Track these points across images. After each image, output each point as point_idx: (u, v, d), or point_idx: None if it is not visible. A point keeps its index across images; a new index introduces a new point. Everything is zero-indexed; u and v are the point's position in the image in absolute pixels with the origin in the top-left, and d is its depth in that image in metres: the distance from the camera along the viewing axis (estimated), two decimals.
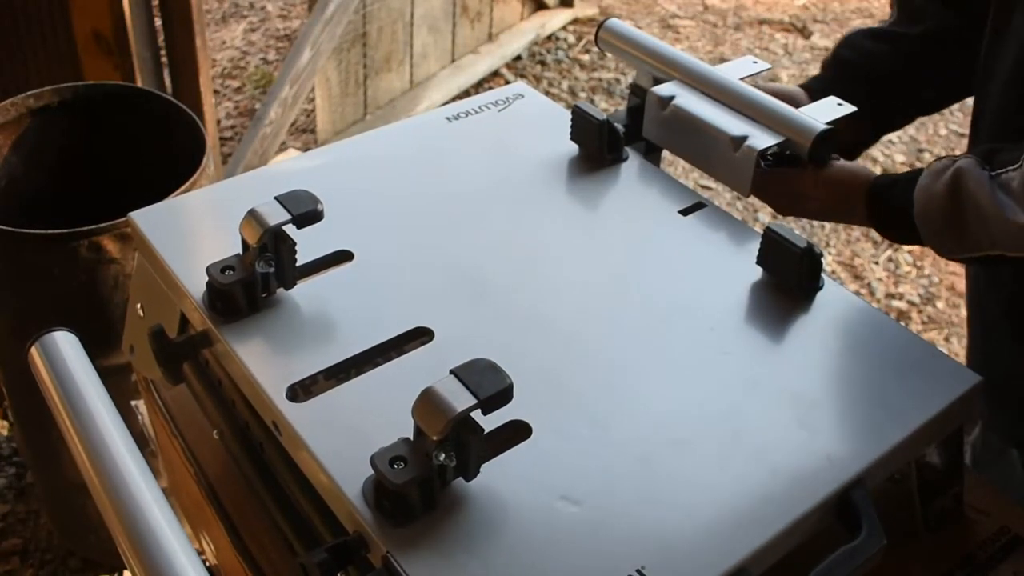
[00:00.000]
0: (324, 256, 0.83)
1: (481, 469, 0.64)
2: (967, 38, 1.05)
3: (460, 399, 0.60)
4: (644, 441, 0.69)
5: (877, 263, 2.59)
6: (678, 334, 0.79)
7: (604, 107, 3.09)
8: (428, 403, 0.60)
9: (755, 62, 1.05)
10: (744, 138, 0.92)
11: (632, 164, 0.98)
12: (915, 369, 0.76)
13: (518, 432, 0.69)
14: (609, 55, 1.03)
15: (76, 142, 1.65)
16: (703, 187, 2.63)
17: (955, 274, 2.57)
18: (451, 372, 0.61)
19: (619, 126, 0.97)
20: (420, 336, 0.77)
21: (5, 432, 2.02)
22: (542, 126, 1.03)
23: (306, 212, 0.76)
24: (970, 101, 1.03)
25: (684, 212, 0.92)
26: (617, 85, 3.21)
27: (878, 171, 1.00)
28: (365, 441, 0.64)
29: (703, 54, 3.41)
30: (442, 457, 0.61)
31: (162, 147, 1.62)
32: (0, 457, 1.97)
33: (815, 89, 1.07)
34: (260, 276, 0.77)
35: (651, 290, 0.83)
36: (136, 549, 0.60)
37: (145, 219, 0.86)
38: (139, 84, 1.90)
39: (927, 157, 2.94)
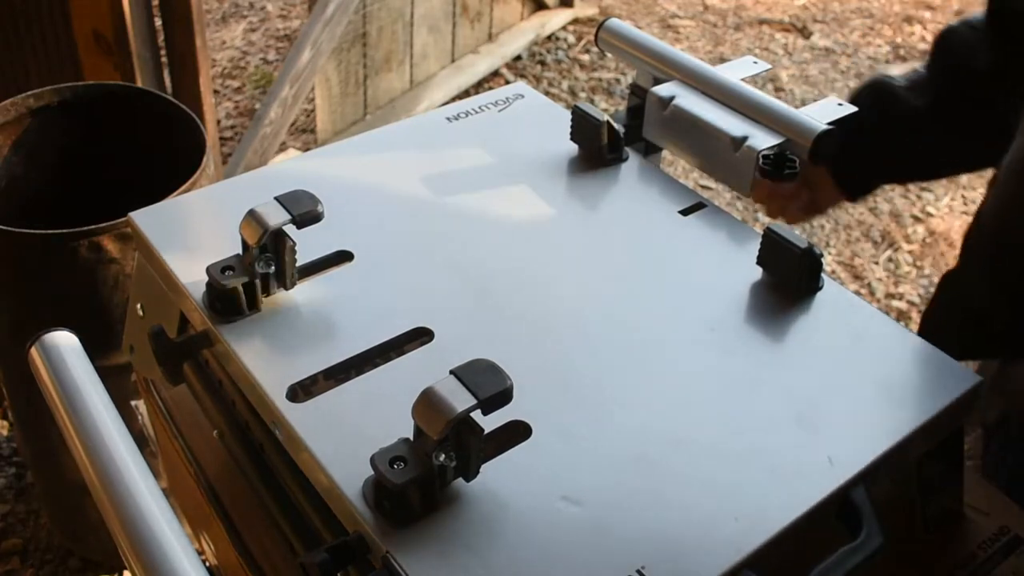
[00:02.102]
0: (324, 256, 0.83)
1: (481, 469, 0.65)
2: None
3: (460, 399, 0.60)
4: (644, 441, 0.69)
5: (877, 263, 2.59)
6: (678, 334, 0.79)
7: (604, 107, 3.09)
8: (428, 403, 0.60)
9: (755, 62, 1.05)
10: (744, 138, 0.92)
11: (632, 164, 0.98)
12: (915, 369, 0.76)
13: (518, 432, 0.69)
14: (609, 55, 1.03)
15: (76, 142, 1.65)
16: (703, 187, 2.63)
17: None
18: (451, 372, 0.61)
19: (619, 126, 0.97)
20: (420, 336, 0.77)
21: (5, 432, 2.02)
22: (542, 126, 1.03)
23: (306, 212, 0.76)
24: None
25: (684, 212, 0.92)
26: (617, 85, 3.21)
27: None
28: (365, 441, 0.64)
29: (703, 54, 3.41)
30: (442, 457, 0.62)
31: (162, 147, 1.62)
32: (0, 457, 1.97)
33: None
34: (260, 276, 0.77)
35: (651, 290, 0.83)
36: (136, 549, 0.60)
37: (145, 219, 0.86)
38: (139, 84, 1.90)
39: None
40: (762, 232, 0.85)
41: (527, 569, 0.61)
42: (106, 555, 1.78)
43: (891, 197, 2.75)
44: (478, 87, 3.14)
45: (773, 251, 0.83)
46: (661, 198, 0.94)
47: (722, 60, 3.17)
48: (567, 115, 1.00)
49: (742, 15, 3.69)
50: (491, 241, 0.87)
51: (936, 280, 2.54)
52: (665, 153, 1.06)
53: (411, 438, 0.63)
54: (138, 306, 0.92)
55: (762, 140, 0.92)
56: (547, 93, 3.12)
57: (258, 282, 0.77)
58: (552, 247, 0.87)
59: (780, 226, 0.83)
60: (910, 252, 2.63)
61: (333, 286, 0.81)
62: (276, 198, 0.77)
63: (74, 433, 0.67)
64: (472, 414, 0.60)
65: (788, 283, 0.83)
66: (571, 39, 3.45)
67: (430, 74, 3.07)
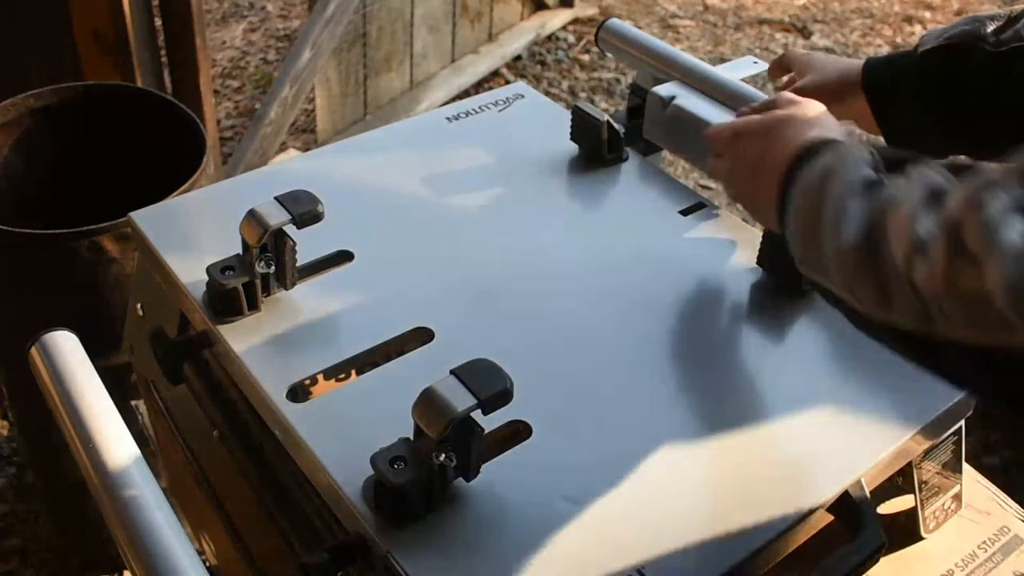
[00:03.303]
0: (324, 256, 0.83)
1: (481, 469, 0.64)
2: None
3: (460, 399, 0.60)
4: (644, 441, 0.69)
5: None
6: (678, 334, 0.79)
7: (604, 107, 3.08)
8: (428, 403, 0.60)
9: (755, 62, 1.05)
10: None
11: (632, 164, 0.98)
12: (915, 369, 0.76)
13: (518, 432, 0.69)
14: (609, 55, 1.03)
15: (76, 142, 1.64)
16: (703, 187, 2.63)
17: None
18: (451, 372, 0.61)
19: (619, 126, 0.97)
20: (420, 336, 0.77)
21: (5, 432, 2.01)
22: (542, 126, 1.03)
23: (306, 212, 0.76)
24: None
25: (684, 212, 0.92)
26: (617, 85, 3.21)
27: None
28: (365, 441, 0.64)
29: (703, 54, 3.41)
30: (442, 457, 0.61)
31: (162, 147, 1.62)
32: (0, 457, 1.97)
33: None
34: (260, 276, 0.77)
35: (651, 290, 0.83)
36: (136, 549, 0.59)
37: (145, 219, 0.86)
38: (139, 84, 1.90)
39: None
40: (762, 232, 0.85)
41: (527, 569, 0.61)
42: (106, 555, 1.78)
43: None
44: (478, 87, 3.14)
45: (773, 251, 0.83)
46: (661, 198, 0.94)
47: (722, 60, 3.16)
48: (567, 115, 1.00)
49: (742, 15, 3.69)
50: (491, 241, 0.87)
51: None
52: (665, 153, 1.06)
53: (411, 438, 0.62)
54: (138, 306, 0.92)
55: None
56: (547, 93, 3.12)
57: (258, 282, 0.77)
58: (552, 247, 0.87)
59: None
60: None
61: (333, 286, 0.81)
62: (276, 198, 0.77)
63: (74, 433, 0.67)
64: (472, 414, 0.60)
65: (788, 283, 0.83)
66: (571, 39, 3.44)
67: (430, 74, 3.06)
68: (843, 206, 0.58)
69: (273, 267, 0.77)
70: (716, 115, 0.95)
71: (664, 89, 1.00)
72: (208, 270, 0.76)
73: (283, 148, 2.67)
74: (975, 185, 0.52)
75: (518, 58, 3.32)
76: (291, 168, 0.99)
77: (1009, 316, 0.49)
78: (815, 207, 0.61)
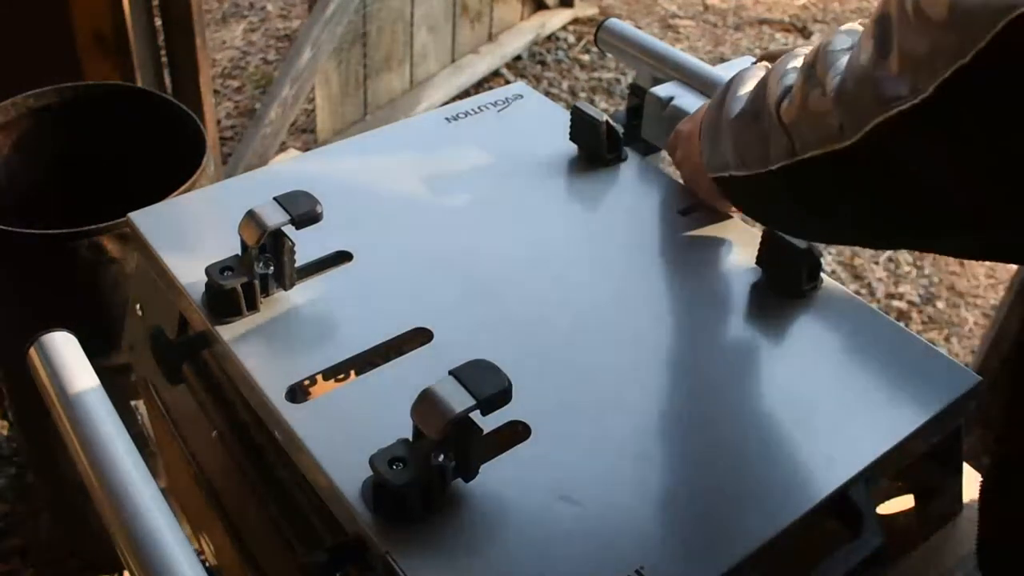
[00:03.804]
0: (323, 257, 0.83)
1: (481, 469, 0.64)
2: None
3: (459, 400, 0.60)
4: (644, 441, 0.69)
5: (877, 263, 2.59)
6: (677, 334, 0.79)
7: (604, 107, 3.08)
8: (427, 404, 0.60)
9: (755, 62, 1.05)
10: None
11: (632, 164, 0.98)
12: (915, 369, 0.76)
13: (518, 432, 0.69)
14: (609, 55, 1.03)
15: (76, 142, 1.64)
16: None
17: (955, 274, 2.57)
18: (450, 373, 0.61)
19: (619, 126, 0.97)
20: (420, 336, 0.77)
21: (5, 432, 2.01)
22: (542, 126, 1.03)
23: (305, 213, 0.76)
24: None
25: (684, 212, 0.92)
26: (617, 85, 3.20)
27: None
28: (364, 442, 0.64)
29: (703, 54, 3.41)
30: (441, 458, 0.61)
31: (162, 147, 1.62)
32: (0, 457, 1.97)
33: None
34: (259, 277, 0.77)
35: (650, 290, 0.83)
36: (135, 549, 0.59)
37: (145, 219, 0.86)
38: (139, 84, 1.90)
39: None
40: (762, 232, 0.85)
41: (526, 569, 0.61)
42: (106, 555, 1.78)
43: None
44: (478, 87, 3.14)
45: (773, 251, 0.83)
46: (661, 198, 0.94)
47: (722, 60, 3.16)
48: (567, 115, 1.00)
49: (742, 15, 3.68)
50: (490, 241, 0.87)
51: (936, 280, 2.54)
52: (665, 153, 1.06)
53: (410, 439, 0.62)
54: (138, 306, 0.92)
55: None
56: (547, 93, 3.12)
57: (257, 282, 0.77)
58: (552, 247, 0.87)
59: None
60: (910, 252, 2.63)
61: (332, 286, 0.81)
62: (275, 198, 0.77)
63: (73, 433, 0.67)
64: (471, 414, 0.60)
65: (788, 283, 0.83)
66: (571, 39, 3.44)
67: (430, 74, 3.06)
68: (736, 97, 0.76)
69: (272, 267, 0.77)
70: None
71: (663, 89, 1.00)
72: (207, 270, 0.76)
73: (283, 148, 2.67)
74: (828, 35, 0.67)
75: (518, 58, 3.32)
76: (291, 168, 0.99)
77: (837, 119, 0.60)
78: (717, 109, 0.78)
